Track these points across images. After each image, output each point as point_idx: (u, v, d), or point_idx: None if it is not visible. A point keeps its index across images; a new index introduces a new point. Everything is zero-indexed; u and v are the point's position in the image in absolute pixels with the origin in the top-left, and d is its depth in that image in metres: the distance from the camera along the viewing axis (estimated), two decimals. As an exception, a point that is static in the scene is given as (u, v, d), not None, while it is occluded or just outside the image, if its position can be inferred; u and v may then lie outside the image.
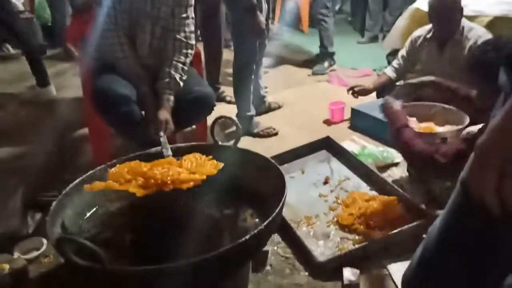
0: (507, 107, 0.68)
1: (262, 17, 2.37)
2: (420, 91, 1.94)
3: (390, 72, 2.70)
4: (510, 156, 0.67)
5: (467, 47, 2.35)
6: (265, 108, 3.01)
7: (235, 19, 2.56)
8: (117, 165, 1.37)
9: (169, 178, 1.23)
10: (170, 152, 1.54)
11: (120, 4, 1.88)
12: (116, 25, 1.88)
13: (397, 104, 1.76)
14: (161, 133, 1.67)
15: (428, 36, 2.51)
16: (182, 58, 1.95)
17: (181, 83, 1.92)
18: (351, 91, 2.75)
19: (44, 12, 4.66)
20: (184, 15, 1.97)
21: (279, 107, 3.11)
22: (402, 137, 1.60)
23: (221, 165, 1.36)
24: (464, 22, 2.41)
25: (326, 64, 3.94)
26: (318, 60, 4.04)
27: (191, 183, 1.25)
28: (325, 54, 3.97)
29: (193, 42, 2.01)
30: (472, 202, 0.73)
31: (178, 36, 1.95)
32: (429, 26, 2.51)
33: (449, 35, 2.41)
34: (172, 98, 1.87)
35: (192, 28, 2.01)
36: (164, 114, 1.80)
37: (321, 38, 3.95)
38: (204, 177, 1.28)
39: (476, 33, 2.36)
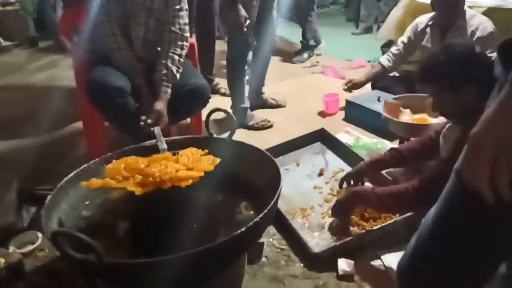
0: (500, 98, 0.69)
1: (243, 11, 2.32)
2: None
3: (384, 61, 2.69)
4: (503, 146, 0.68)
5: (469, 32, 2.36)
6: (261, 103, 2.95)
7: (224, 11, 2.54)
8: (113, 160, 1.36)
9: (167, 176, 1.22)
10: (165, 146, 1.54)
11: None
12: (109, 16, 1.87)
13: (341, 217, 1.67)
14: (149, 122, 1.68)
15: (430, 23, 2.52)
16: (178, 50, 1.94)
17: (178, 75, 1.91)
18: (345, 87, 2.78)
19: (29, 5, 4.61)
20: (177, 7, 1.95)
21: (278, 105, 2.99)
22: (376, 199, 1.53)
23: (217, 160, 1.35)
24: (466, 8, 2.42)
25: (305, 55, 4.13)
26: (299, 51, 4.22)
27: (190, 181, 1.24)
28: (305, 47, 4.14)
29: (188, 34, 2.00)
30: (466, 191, 0.74)
31: (173, 28, 1.94)
32: (431, 14, 2.51)
33: (452, 21, 2.41)
34: (169, 90, 1.86)
35: (186, 20, 2.00)
36: (160, 106, 1.79)
37: (303, 30, 4.10)
38: (202, 173, 1.27)
39: (478, 20, 2.38)
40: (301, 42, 4.17)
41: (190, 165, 1.31)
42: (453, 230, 0.86)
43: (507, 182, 0.68)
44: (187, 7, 2.01)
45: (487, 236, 0.82)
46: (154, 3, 1.92)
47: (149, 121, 1.71)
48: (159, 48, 1.98)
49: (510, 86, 0.67)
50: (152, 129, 1.66)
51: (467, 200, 0.77)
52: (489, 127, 0.69)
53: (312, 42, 4.12)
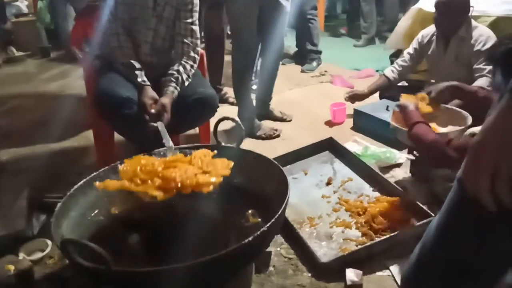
0: (500, 106, 0.69)
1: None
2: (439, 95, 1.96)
3: (389, 73, 2.71)
4: (503, 154, 0.68)
5: (470, 44, 2.37)
6: (267, 114, 2.91)
7: (231, 16, 2.56)
8: (125, 160, 1.33)
9: (189, 181, 1.19)
10: (171, 143, 1.54)
11: None
12: (114, 17, 1.91)
13: (411, 106, 1.82)
14: (152, 111, 1.72)
15: (435, 33, 2.53)
16: (190, 62, 1.96)
17: (186, 83, 1.93)
18: (346, 97, 2.80)
19: (45, 17, 4.74)
20: (189, 20, 1.98)
21: (283, 119, 2.92)
22: (417, 130, 1.68)
23: (231, 163, 1.34)
24: (469, 20, 2.42)
25: (314, 63, 4.11)
26: (301, 58, 4.19)
27: (211, 187, 1.21)
28: (315, 52, 4.12)
29: (199, 48, 2.03)
30: (468, 199, 0.74)
31: (185, 40, 1.97)
32: None
33: (451, 31, 2.42)
34: (176, 92, 1.87)
35: (198, 34, 2.02)
36: (165, 100, 1.79)
37: (311, 36, 4.09)
38: (221, 179, 1.25)
39: (479, 32, 2.38)
40: (309, 49, 4.12)
41: (206, 168, 1.28)
42: (456, 238, 0.86)
43: (507, 190, 0.68)
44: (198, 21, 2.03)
45: (489, 243, 0.83)
46: (165, 12, 1.95)
47: (152, 111, 1.72)
48: (172, 56, 2.00)
49: (510, 94, 0.68)
50: (155, 124, 1.66)
51: (469, 208, 0.77)
52: (489, 135, 0.70)
53: (320, 47, 4.13)
